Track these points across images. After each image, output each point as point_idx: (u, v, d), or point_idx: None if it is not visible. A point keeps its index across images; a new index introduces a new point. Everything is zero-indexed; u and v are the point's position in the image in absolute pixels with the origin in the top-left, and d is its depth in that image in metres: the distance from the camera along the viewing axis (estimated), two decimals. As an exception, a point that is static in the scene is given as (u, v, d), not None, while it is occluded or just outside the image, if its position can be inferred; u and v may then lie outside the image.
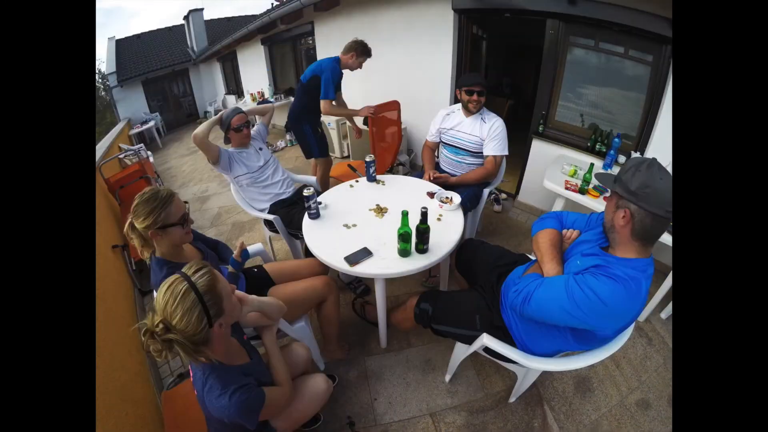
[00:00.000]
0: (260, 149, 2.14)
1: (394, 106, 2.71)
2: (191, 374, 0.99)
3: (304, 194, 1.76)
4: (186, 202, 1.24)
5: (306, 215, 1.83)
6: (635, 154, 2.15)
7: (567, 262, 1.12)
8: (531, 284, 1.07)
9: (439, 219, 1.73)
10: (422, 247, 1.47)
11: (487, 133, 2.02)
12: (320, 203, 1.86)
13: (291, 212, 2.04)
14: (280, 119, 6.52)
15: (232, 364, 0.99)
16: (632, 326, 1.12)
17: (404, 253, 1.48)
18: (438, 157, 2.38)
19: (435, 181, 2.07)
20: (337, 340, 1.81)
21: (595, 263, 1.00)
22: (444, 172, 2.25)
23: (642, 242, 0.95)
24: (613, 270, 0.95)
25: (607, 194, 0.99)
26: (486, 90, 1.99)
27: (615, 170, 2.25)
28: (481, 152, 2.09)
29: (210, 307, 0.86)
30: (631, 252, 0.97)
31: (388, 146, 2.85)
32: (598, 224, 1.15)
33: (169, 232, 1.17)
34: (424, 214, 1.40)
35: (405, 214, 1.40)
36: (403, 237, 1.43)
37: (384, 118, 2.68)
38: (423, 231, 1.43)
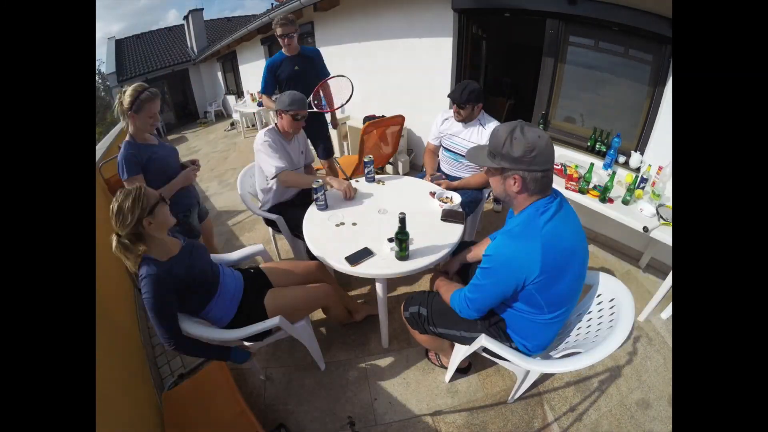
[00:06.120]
0: (302, 152, 2.15)
1: (398, 120, 2.72)
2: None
3: (313, 186, 1.79)
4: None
5: (307, 211, 1.84)
6: (635, 154, 2.15)
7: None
8: (457, 303, 1.22)
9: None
10: (403, 254, 1.43)
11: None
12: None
13: (296, 214, 2.04)
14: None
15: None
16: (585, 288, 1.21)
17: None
18: (439, 158, 2.38)
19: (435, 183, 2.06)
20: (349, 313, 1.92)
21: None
22: (445, 173, 2.25)
23: (539, 193, 1.03)
24: (497, 236, 1.09)
25: (481, 170, 1.07)
26: (465, 104, 1.95)
27: (616, 170, 2.25)
28: None
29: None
30: (528, 203, 1.05)
31: (379, 156, 2.99)
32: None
33: (158, 214, 1.19)
34: (402, 221, 1.36)
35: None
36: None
37: (378, 133, 2.73)
38: (401, 238, 1.39)
